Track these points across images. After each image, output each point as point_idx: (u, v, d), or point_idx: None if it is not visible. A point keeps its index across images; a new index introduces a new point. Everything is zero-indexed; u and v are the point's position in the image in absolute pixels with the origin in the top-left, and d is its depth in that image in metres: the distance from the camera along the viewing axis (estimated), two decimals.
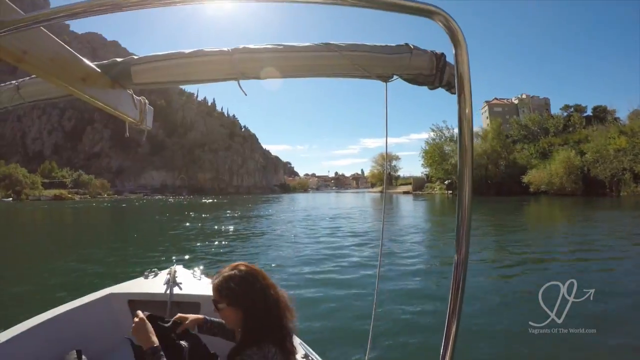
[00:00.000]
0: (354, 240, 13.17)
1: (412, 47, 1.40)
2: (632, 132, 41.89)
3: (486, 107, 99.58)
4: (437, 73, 1.40)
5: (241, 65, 1.40)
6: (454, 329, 1.02)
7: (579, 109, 74.50)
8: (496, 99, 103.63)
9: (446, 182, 58.30)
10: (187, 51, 1.43)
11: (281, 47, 1.39)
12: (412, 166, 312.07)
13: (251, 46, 1.41)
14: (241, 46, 1.41)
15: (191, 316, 1.99)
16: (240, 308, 1.48)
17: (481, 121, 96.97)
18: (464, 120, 1.02)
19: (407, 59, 1.39)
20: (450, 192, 54.97)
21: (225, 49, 1.40)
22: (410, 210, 31.56)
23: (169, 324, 1.88)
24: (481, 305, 5.62)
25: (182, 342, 1.86)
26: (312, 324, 4.99)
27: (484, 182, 53.55)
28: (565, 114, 71.91)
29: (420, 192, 67.58)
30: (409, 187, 76.68)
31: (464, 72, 0.98)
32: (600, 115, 69.07)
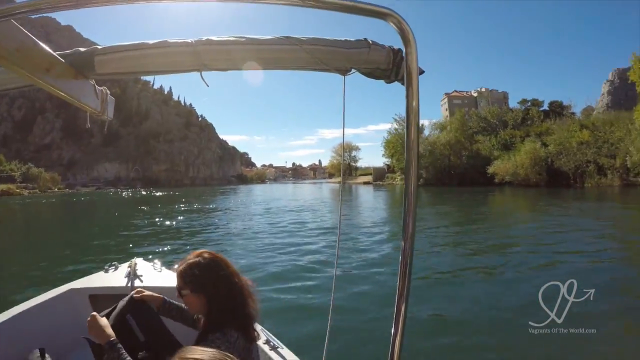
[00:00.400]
0: (314, 233, 13.27)
1: (370, 42, 1.46)
2: (594, 126, 44.28)
3: (446, 99, 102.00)
4: (393, 67, 1.46)
5: (204, 57, 1.41)
6: (402, 311, 1.09)
7: (536, 103, 77.47)
8: (456, 91, 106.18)
9: None
10: (150, 42, 1.43)
11: (243, 39, 1.41)
12: (370, 157, 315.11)
13: (214, 38, 1.42)
14: (204, 38, 1.42)
15: (150, 293, 2.02)
16: (204, 294, 1.52)
17: (440, 113, 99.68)
18: (411, 113, 1.09)
19: (365, 54, 1.44)
20: None
21: (189, 40, 1.41)
22: (371, 201, 32.00)
23: (124, 303, 1.89)
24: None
25: (128, 317, 1.85)
26: (272, 314, 5.06)
27: (447, 172, 55.16)
28: (523, 107, 74.57)
29: (381, 183, 68.18)
30: (369, 178, 77.14)
31: (412, 68, 1.06)
32: (557, 110, 72.49)
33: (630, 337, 4.50)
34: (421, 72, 1.15)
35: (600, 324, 4.47)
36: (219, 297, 1.51)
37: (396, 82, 1.51)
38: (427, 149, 55.33)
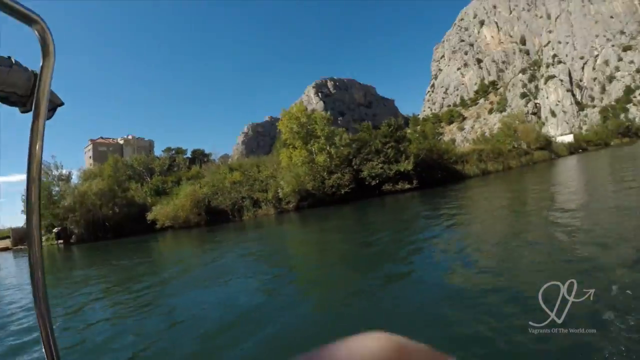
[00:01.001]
0: None
1: (14, 61, 1.23)
2: (243, 168, 52.01)
3: (90, 146, 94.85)
4: (31, 95, 1.23)
5: None
6: None
7: (180, 151, 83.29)
8: (101, 138, 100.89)
9: (55, 231, 49.25)
10: None
11: None
12: (4, 216, 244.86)
13: None
14: None
15: None
16: None
17: (84, 161, 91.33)
18: (33, 158, 0.89)
19: (5, 73, 1.19)
20: (62, 242, 47.27)
21: None
22: (12, 275, 22.59)
23: None
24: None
25: None
26: None
27: (102, 224, 49.76)
28: (169, 155, 77.98)
29: (23, 247, 53.56)
30: (7, 242, 59.54)
31: (45, 87, 0.88)
32: (200, 157, 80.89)
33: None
34: (59, 103, 1.02)
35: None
36: None
37: (32, 112, 1.28)
38: (78, 201, 48.13)
